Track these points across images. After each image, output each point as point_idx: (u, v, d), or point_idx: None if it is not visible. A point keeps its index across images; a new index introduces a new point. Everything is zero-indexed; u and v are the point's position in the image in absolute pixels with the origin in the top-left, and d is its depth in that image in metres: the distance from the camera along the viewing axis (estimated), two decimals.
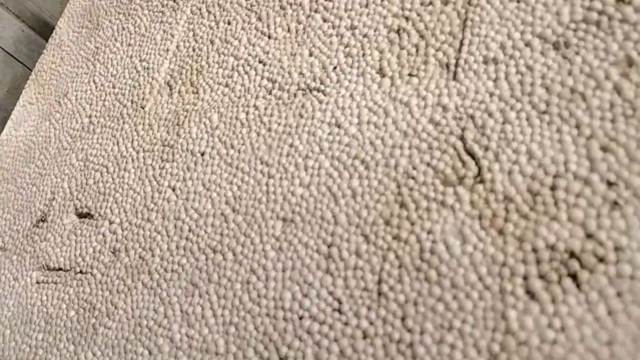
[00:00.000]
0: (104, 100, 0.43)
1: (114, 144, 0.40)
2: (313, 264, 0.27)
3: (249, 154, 0.33)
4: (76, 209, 0.39)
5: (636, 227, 0.20)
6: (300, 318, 0.26)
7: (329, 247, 0.27)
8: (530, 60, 0.26)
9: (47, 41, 0.57)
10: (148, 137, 0.38)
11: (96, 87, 0.45)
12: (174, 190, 0.35)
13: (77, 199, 0.39)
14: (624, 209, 0.21)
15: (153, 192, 0.35)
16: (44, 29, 0.57)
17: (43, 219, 0.40)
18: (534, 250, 0.22)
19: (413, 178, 0.26)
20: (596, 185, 0.22)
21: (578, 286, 0.21)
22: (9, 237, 0.42)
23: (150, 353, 0.30)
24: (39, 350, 0.35)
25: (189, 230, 0.32)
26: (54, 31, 0.53)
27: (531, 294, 0.21)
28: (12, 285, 0.39)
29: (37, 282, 0.38)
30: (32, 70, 0.56)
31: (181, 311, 0.30)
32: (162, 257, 0.33)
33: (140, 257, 0.34)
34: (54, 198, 0.41)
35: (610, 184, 0.21)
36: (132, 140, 0.39)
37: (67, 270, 0.37)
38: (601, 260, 0.20)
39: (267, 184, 0.31)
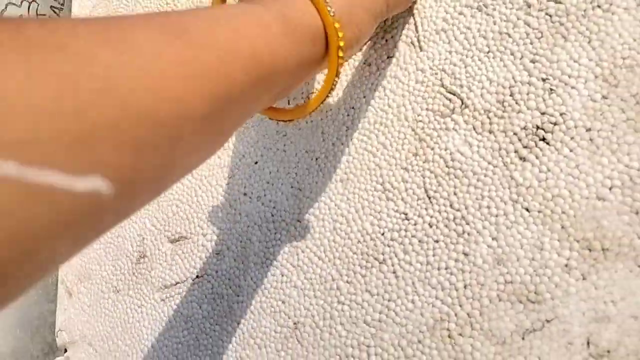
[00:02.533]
0: None
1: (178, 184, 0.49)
2: (376, 199, 0.38)
3: (294, 144, 0.43)
4: (168, 238, 0.48)
5: (568, 101, 0.32)
6: (382, 234, 0.37)
7: (382, 184, 0.38)
8: (467, 23, 0.37)
9: None
10: (203, 165, 0.47)
11: None
12: (245, 194, 0.44)
13: (165, 230, 0.48)
14: (557, 90, 0.33)
15: (230, 202, 0.45)
16: None
17: (142, 256, 0.49)
18: (514, 133, 0.33)
19: (421, 121, 0.37)
20: (535, 83, 0.33)
21: (548, 143, 0.32)
22: (117, 281, 0.49)
23: (283, 302, 0.40)
24: (186, 344, 0.43)
25: (272, 215, 0.42)
26: None
27: (523, 159, 0.33)
28: (140, 312, 0.47)
29: (162, 300, 0.46)
30: None
31: (293, 265, 0.40)
32: (260, 240, 0.42)
33: (242, 247, 0.43)
34: (143, 239, 0.49)
35: (544, 79, 0.33)
36: (191, 173, 0.48)
37: (184, 281, 0.45)
38: (555, 124, 0.32)
39: (317, 163, 0.41)
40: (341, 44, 0.28)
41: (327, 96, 0.31)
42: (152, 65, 0.19)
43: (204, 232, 0.45)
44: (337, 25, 0.28)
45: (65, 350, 0.51)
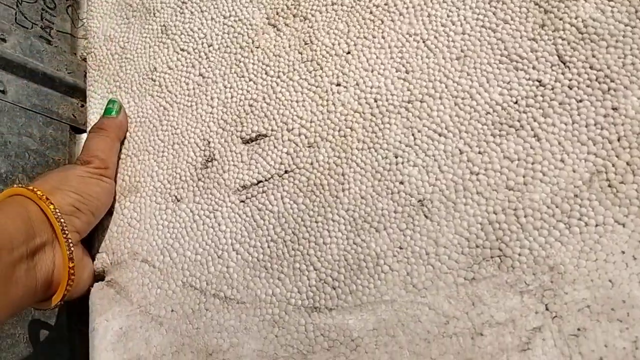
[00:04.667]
0: (207, 57, 0.46)
1: (246, 81, 0.44)
2: (503, 71, 0.36)
3: (394, 30, 0.40)
4: (242, 138, 0.42)
5: None
6: (516, 102, 0.35)
7: (507, 56, 0.36)
8: None
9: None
10: (280, 63, 0.43)
11: (188, 53, 0.47)
12: (339, 85, 0.41)
13: (237, 131, 0.43)
14: None
15: (320, 94, 0.41)
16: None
17: (210, 159, 0.43)
18: None
19: None
20: None
21: None
22: (177, 190, 0.43)
23: (402, 182, 0.36)
24: (281, 241, 0.38)
25: (375, 100, 0.39)
26: (91, 33, 0.53)
27: None
28: (214, 216, 0.41)
29: (242, 201, 0.41)
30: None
31: (408, 145, 0.37)
32: (364, 126, 0.39)
33: (342, 136, 0.39)
34: (209, 142, 0.43)
35: None
36: (265, 71, 0.44)
37: (269, 179, 0.40)
38: None
39: (426, 45, 0.39)
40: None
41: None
42: None
43: (289, 127, 0.41)
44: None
45: (103, 277, 0.43)
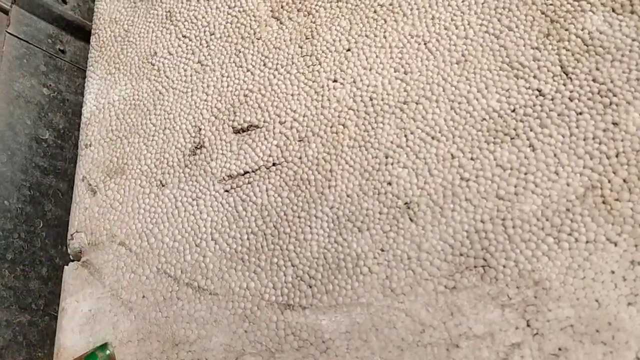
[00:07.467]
0: (208, 46, 0.45)
1: (244, 72, 0.43)
2: (503, 78, 0.35)
3: (396, 30, 0.39)
4: (233, 128, 0.41)
5: None
6: (513, 110, 0.34)
7: (509, 64, 0.35)
8: None
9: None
10: (280, 56, 0.42)
11: (190, 40, 0.46)
12: (335, 81, 0.39)
13: (229, 120, 0.41)
14: None
15: (316, 89, 0.40)
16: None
17: (199, 146, 0.41)
18: None
19: (551, 5, 0.35)
20: None
21: None
22: (163, 175, 0.42)
23: (389, 183, 0.35)
24: (261, 234, 0.37)
25: (371, 99, 0.38)
26: (97, 14, 0.52)
27: None
28: (197, 204, 0.39)
29: (226, 191, 0.39)
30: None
31: (400, 146, 0.35)
32: (357, 124, 0.37)
33: (333, 132, 0.38)
34: (200, 129, 0.42)
35: None
36: (264, 63, 0.42)
37: (255, 170, 0.39)
38: None
39: (427, 47, 0.38)
40: None
41: None
42: None
43: (282, 119, 0.40)
44: None
45: (79, 258, 0.42)
